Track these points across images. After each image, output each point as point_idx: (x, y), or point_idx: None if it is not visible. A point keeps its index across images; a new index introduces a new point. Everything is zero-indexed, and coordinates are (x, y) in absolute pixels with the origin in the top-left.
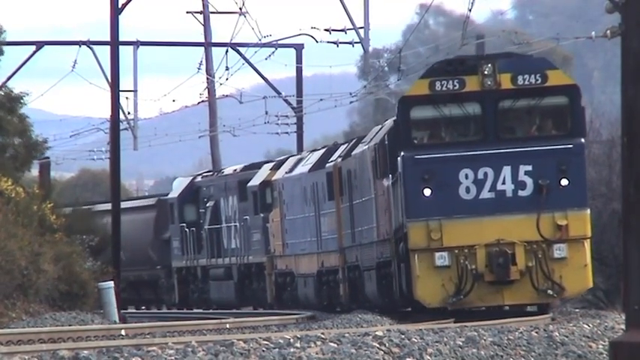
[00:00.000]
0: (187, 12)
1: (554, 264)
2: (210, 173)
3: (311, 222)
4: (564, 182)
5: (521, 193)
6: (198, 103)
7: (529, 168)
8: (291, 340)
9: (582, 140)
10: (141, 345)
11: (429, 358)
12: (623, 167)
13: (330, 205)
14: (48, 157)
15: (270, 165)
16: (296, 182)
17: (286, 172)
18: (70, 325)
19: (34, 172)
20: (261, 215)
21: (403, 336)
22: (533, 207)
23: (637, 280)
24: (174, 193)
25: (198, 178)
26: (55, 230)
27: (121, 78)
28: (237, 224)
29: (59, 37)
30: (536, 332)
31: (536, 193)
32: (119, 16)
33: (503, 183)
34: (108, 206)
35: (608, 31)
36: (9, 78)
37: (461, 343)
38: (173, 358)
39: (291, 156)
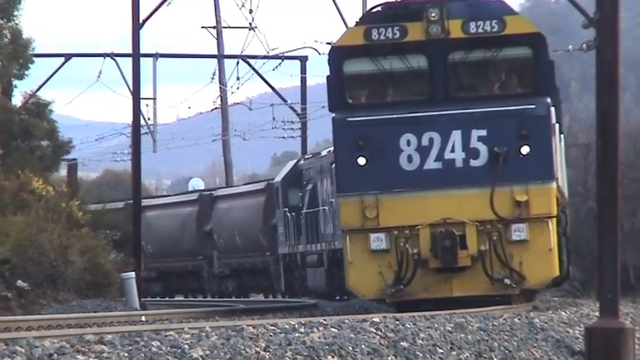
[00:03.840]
0: (202, 27)
1: (513, 248)
2: (311, 155)
3: None
4: (525, 150)
5: (473, 162)
6: (212, 109)
7: (483, 133)
8: (296, 326)
9: (548, 100)
10: (159, 330)
11: (421, 342)
12: (598, 168)
13: None
14: (75, 159)
15: None
16: None
17: None
18: (95, 312)
19: (63, 172)
20: None
21: (398, 322)
22: (487, 179)
23: (610, 272)
24: (278, 177)
25: (302, 161)
26: (81, 225)
27: (141, 87)
28: (327, 208)
29: (86, 49)
30: (519, 319)
31: (491, 162)
32: (140, 31)
33: (452, 151)
34: (146, 202)
35: (584, 45)
36: (40, 87)
37: (450, 329)
38: (189, 342)
39: None
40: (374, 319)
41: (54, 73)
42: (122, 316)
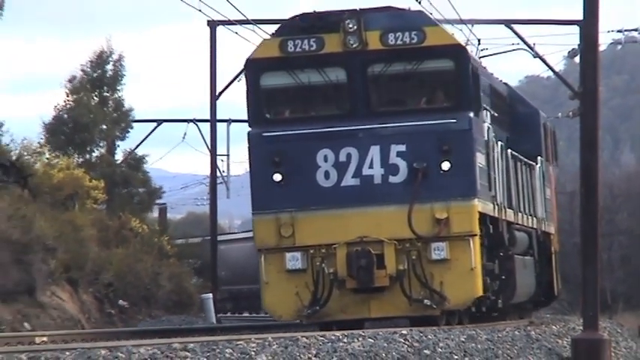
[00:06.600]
0: None
1: (433, 267)
2: None
3: None
4: (446, 166)
5: (392, 179)
6: None
7: (402, 148)
8: (340, 337)
9: (470, 114)
10: (231, 340)
11: (440, 350)
12: (581, 211)
13: None
14: (165, 204)
15: None
16: None
17: None
18: (180, 325)
19: (155, 214)
20: None
21: (421, 334)
22: (406, 196)
23: (591, 294)
24: None
25: None
26: (169, 256)
27: (217, 146)
28: None
29: (175, 115)
30: (518, 331)
31: (410, 179)
32: (216, 101)
33: (371, 167)
34: (223, 237)
35: (571, 112)
36: (137, 146)
37: (463, 339)
38: (255, 349)
39: None
40: (402, 332)
41: (148, 135)
42: (202, 328)
